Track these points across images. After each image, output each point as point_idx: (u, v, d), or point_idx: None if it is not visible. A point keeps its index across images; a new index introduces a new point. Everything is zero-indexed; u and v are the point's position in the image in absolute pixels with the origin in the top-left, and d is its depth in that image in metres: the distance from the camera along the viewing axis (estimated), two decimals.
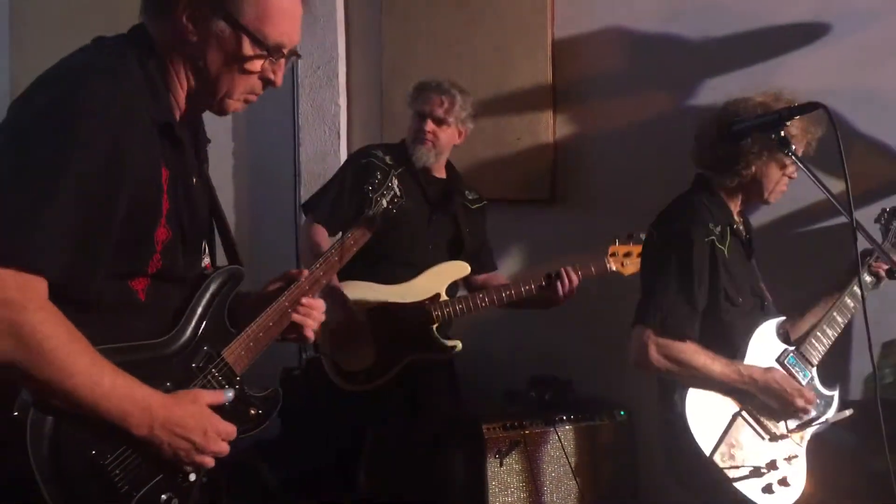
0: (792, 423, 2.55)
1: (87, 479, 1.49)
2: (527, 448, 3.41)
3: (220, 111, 1.69)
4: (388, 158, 3.24)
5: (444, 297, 3.20)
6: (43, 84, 1.51)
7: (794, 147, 2.39)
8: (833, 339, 2.70)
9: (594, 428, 3.51)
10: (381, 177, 2.47)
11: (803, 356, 2.65)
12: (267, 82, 1.67)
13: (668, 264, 2.52)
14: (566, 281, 3.10)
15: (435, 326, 3.18)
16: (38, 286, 1.39)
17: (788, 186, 2.71)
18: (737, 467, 2.40)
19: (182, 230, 1.63)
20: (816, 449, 2.67)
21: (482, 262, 3.40)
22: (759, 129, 2.45)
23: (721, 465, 2.40)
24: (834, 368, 2.87)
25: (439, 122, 3.26)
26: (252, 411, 1.77)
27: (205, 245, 1.80)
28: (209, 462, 1.62)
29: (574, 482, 3.44)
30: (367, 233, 2.37)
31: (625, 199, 3.76)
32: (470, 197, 3.43)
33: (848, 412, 2.58)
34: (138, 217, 1.52)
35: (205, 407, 1.60)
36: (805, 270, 3.34)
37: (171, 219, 1.59)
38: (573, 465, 3.44)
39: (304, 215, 3.36)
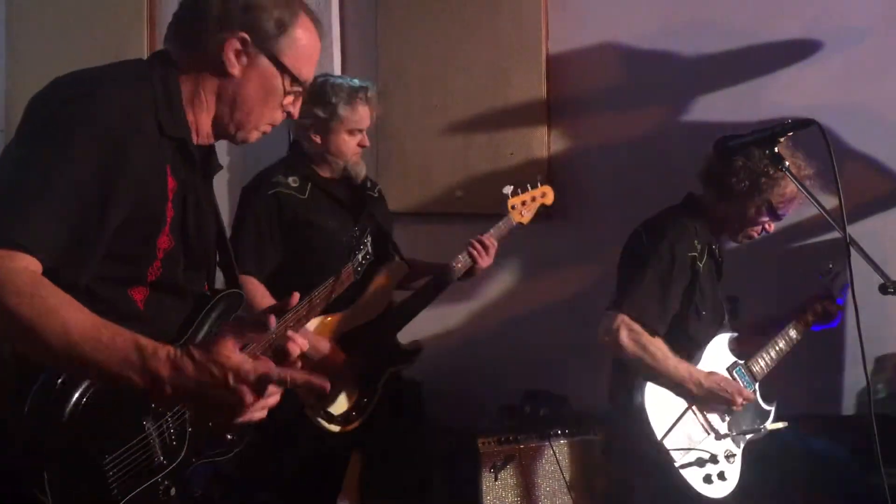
0: (734, 429, 2.78)
1: (85, 473, 1.51)
2: (521, 462, 3.41)
3: (242, 140, 1.78)
4: (291, 181, 3.02)
5: (394, 302, 3.13)
6: (62, 85, 1.58)
7: (786, 164, 2.44)
8: (776, 361, 2.96)
9: (589, 442, 3.50)
10: (359, 232, 2.41)
11: (750, 370, 2.90)
12: (287, 115, 1.80)
13: (651, 268, 2.71)
14: (488, 248, 3.11)
15: (398, 335, 3.15)
16: (33, 265, 1.42)
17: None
18: (683, 454, 2.63)
19: (186, 243, 1.68)
20: (812, 464, 2.70)
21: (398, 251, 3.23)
22: (753, 144, 2.48)
23: (670, 448, 2.61)
24: (801, 385, 3.12)
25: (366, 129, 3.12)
26: (228, 436, 1.80)
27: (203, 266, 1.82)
28: (253, 398, 1.46)
29: (569, 496, 3.43)
30: (342, 287, 2.33)
31: (619, 214, 3.77)
32: (369, 185, 3.22)
33: (782, 424, 2.85)
34: (141, 221, 1.57)
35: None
36: (785, 286, 3.37)
37: (174, 229, 1.63)
38: (568, 479, 3.44)
39: None
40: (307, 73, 1.75)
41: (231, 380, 1.41)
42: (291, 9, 1.72)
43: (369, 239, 2.40)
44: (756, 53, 3.65)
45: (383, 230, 3.18)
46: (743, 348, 2.95)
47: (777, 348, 2.98)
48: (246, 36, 1.66)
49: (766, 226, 2.86)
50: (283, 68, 1.70)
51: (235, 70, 1.67)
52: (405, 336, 3.20)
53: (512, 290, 4.06)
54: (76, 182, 1.46)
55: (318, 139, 3.03)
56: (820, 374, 3.49)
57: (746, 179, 2.72)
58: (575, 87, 3.97)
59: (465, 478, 3.40)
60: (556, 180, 3.98)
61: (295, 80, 1.72)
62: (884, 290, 2.41)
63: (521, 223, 3.26)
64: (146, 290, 1.63)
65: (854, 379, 3.53)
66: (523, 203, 3.27)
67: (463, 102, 4.07)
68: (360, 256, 2.38)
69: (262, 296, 2.89)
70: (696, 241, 2.78)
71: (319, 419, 2.91)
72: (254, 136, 1.77)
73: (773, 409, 2.93)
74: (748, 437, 2.81)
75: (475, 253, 3.10)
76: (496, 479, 3.37)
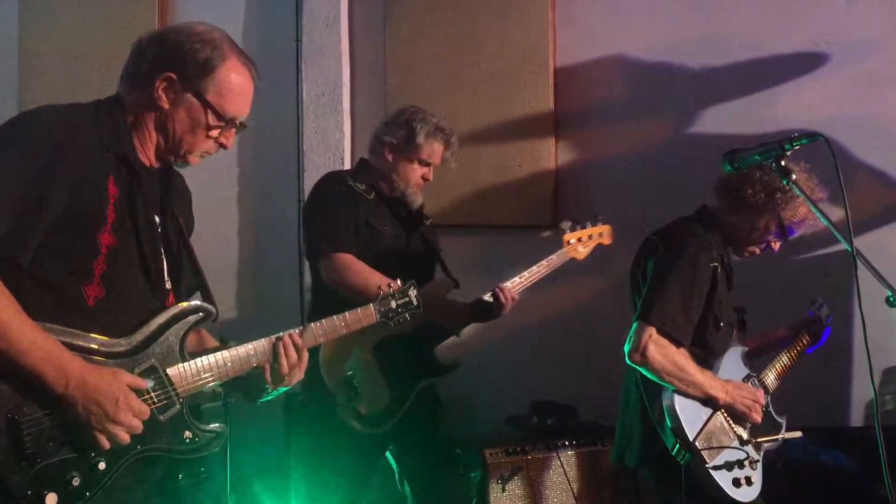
0: (755, 436, 2.78)
1: (1, 433, 1.66)
2: (529, 473, 3.42)
3: (182, 164, 2.01)
4: (359, 185, 3.16)
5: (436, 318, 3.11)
6: (18, 114, 1.86)
7: (794, 178, 2.44)
8: (782, 376, 2.99)
9: (596, 453, 3.51)
10: (401, 283, 2.34)
11: (763, 383, 2.92)
12: (220, 145, 2.02)
13: (675, 279, 2.71)
14: (502, 300, 3.12)
15: (436, 348, 3.18)
16: None
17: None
18: (713, 455, 2.63)
19: (139, 245, 1.90)
20: (821, 475, 2.70)
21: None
22: (760, 157, 2.48)
23: (700, 447, 2.61)
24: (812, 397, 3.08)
25: (436, 166, 3.27)
26: (187, 433, 1.89)
27: (167, 277, 1.99)
28: (122, 434, 1.74)
29: None
30: (357, 325, 2.32)
31: (626, 225, 3.78)
32: (424, 216, 3.38)
33: (798, 433, 2.84)
34: (78, 217, 1.79)
35: (122, 382, 1.77)
36: (791, 297, 3.38)
37: (117, 229, 1.85)
38: (575, 490, 3.44)
39: (323, 256, 3.07)
40: (233, 109, 1.97)
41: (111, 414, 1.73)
42: (220, 51, 1.94)
43: (413, 291, 2.33)
44: (762, 67, 3.67)
45: (434, 249, 3.31)
46: (753, 362, 2.97)
47: (782, 363, 3.03)
48: (172, 75, 1.91)
49: (772, 243, 2.87)
50: (206, 104, 1.93)
51: (164, 104, 1.92)
52: None
53: (519, 301, 4.06)
54: (16, 178, 1.72)
55: (390, 157, 3.18)
56: (828, 386, 3.50)
57: (762, 192, 2.73)
58: (582, 100, 4.00)
59: (473, 488, 3.41)
60: (564, 191, 4.01)
61: (218, 115, 1.94)
62: (890, 302, 2.40)
63: (574, 258, 3.32)
64: (99, 290, 1.82)
65: (862, 391, 3.53)
66: (579, 239, 3.32)
67: (471, 114, 4.10)
68: (394, 304, 2.30)
69: (367, 270, 2.98)
70: (715, 253, 2.80)
71: (349, 417, 2.96)
72: (191, 160, 2.00)
73: (784, 421, 2.95)
74: (765, 446, 2.82)
75: (502, 301, 3.12)
76: (504, 490, 3.38)
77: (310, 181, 4.35)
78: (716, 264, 2.77)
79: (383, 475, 3.27)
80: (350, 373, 2.94)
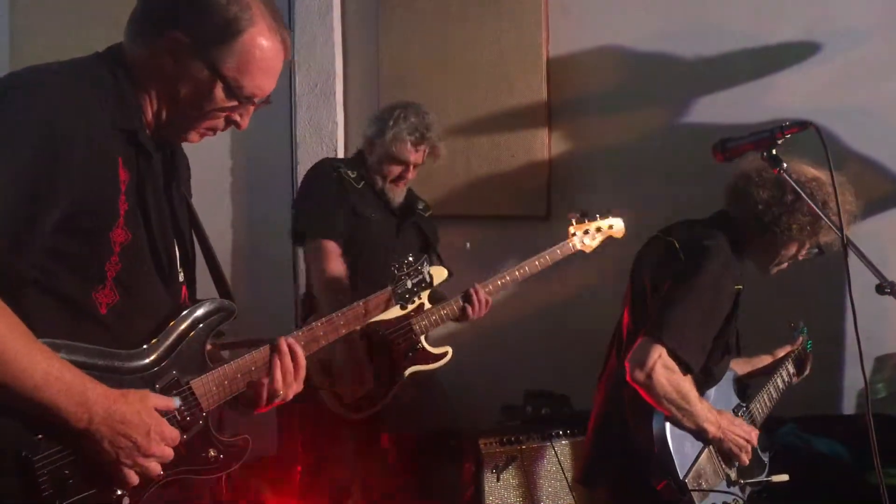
0: (743, 477, 2.60)
1: (11, 473, 1.45)
2: (523, 463, 3.42)
3: (175, 139, 1.72)
4: (350, 173, 3.21)
5: (427, 305, 3.12)
6: (9, 77, 1.53)
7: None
8: (770, 407, 2.84)
9: None
10: (413, 258, 2.24)
11: (752, 416, 2.75)
12: (232, 123, 1.69)
13: (698, 295, 2.45)
14: (475, 301, 3.05)
15: (424, 337, 3.17)
16: None
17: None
18: (702, 497, 2.43)
19: (149, 237, 1.63)
20: (813, 463, 2.71)
21: None
22: (751, 145, 2.47)
23: (691, 487, 2.41)
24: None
25: (417, 165, 3.26)
26: (212, 452, 1.70)
27: (180, 268, 1.75)
28: (153, 467, 1.55)
29: (571, 497, 3.44)
30: (384, 308, 2.18)
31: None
32: (420, 206, 3.44)
33: (785, 476, 2.65)
34: (88, 215, 1.51)
35: (151, 407, 1.55)
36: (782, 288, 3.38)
37: (130, 221, 1.58)
38: (570, 479, 3.45)
39: (305, 243, 3.15)
40: (251, 87, 1.63)
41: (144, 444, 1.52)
42: (248, 13, 1.60)
43: (427, 267, 2.21)
44: (755, 56, 3.68)
45: (427, 238, 3.33)
46: (741, 386, 2.82)
47: (770, 394, 2.88)
48: (182, 36, 1.57)
49: (805, 256, 2.66)
50: (219, 76, 1.59)
51: (170, 68, 1.59)
52: None
53: (513, 291, 4.07)
54: (14, 174, 1.41)
55: (369, 152, 3.25)
56: (820, 374, 3.51)
57: (808, 225, 2.53)
58: (575, 90, 4.00)
59: (468, 478, 3.42)
60: (557, 182, 4.01)
61: (232, 92, 1.61)
62: (880, 290, 2.40)
63: (582, 251, 3.22)
64: (112, 294, 1.57)
65: (854, 378, 3.55)
66: (586, 232, 3.22)
67: (464, 105, 4.10)
68: (410, 283, 2.18)
69: (335, 258, 3.03)
70: (737, 272, 2.54)
71: (331, 402, 2.99)
72: (191, 137, 1.69)
73: (767, 459, 2.77)
74: (749, 488, 2.65)
75: (469, 308, 3.07)
76: (498, 480, 3.39)
77: (303, 172, 4.32)
78: (740, 287, 2.53)
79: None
80: (328, 357, 2.95)
